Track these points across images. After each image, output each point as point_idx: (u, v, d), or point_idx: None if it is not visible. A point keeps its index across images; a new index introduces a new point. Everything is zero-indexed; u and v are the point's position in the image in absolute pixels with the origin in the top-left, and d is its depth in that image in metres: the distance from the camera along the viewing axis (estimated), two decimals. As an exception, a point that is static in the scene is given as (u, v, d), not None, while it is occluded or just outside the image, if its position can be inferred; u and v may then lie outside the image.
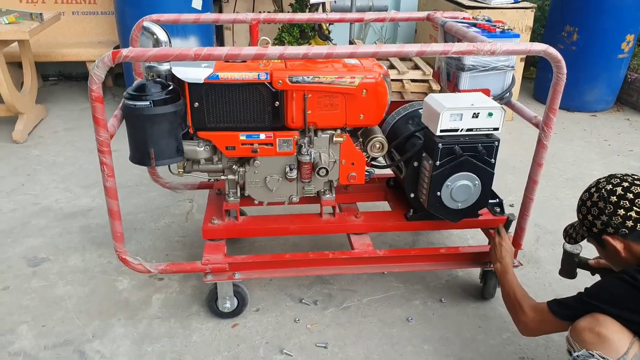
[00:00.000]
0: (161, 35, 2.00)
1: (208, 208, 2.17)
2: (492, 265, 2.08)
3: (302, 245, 2.52)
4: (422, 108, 2.21)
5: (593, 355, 1.40)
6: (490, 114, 1.83)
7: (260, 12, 4.48)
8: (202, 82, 1.83)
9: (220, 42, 4.39)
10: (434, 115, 1.83)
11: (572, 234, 1.69)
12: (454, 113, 1.81)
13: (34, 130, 3.88)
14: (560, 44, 4.12)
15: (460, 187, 1.91)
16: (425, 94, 4.10)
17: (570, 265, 1.92)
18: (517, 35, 1.97)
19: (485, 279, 2.19)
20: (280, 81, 1.84)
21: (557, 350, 2.00)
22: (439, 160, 1.86)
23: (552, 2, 4.38)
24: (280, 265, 2.00)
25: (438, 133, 1.84)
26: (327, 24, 3.78)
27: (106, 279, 2.34)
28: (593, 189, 1.53)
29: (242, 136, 1.92)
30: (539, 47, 1.67)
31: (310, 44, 3.86)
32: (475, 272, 2.33)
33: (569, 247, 1.87)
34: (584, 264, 1.92)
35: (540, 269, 2.45)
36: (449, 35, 2.10)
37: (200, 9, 3.64)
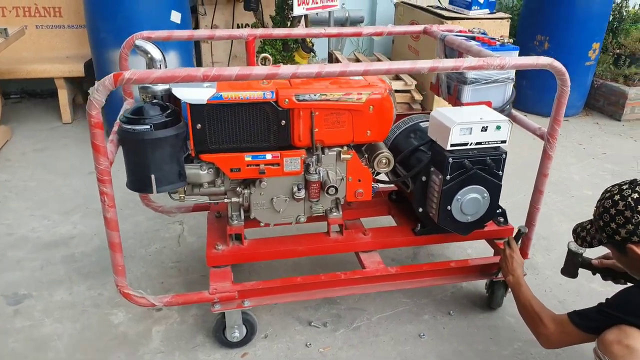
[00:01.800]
0: (155, 53, 1.91)
1: (209, 233, 2.08)
2: (498, 277, 2.08)
3: (303, 263, 2.46)
4: (422, 121, 2.22)
5: None
6: (498, 127, 1.83)
7: (239, 25, 4.41)
8: (204, 102, 1.75)
9: (198, 56, 4.29)
10: (443, 129, 1.82)
11: (585, 237, 1.67)
12: (463, 127, 1.80)
13: (-1, 154, 3.67)
14: (532, 52, 4.23)
15: (470, 201, 1.91)
16: (408, 104, 4.14)
17: (573, 265, 1.91)
18: (517, 48, 1.99)
19: (493, 289, 2.19)
20: (287, 100, 1.79)
21: (567, 357, 2.01)
22: (449, 175, 1.85)
23: (522, 13, 4.50)
24: (292, 290, 1.93)
25: (448, 148, 1.82)
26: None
27: (99, 313, 2.21)
28: (617, 197, 1.52)
29: (248, 157, 1.85)
30: (545, 60, 1.69)
31: (293, 56, 3.81)
32: (479, 283, 2.33)
33: (573, 246, 1.85)
34: (587, 264, 1.92)
35: (539, 275, 2.47)
36: (448, 49, 2.09)
37: (179, 22, 3.52)
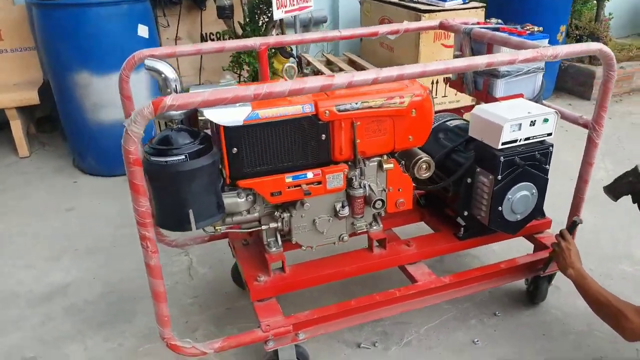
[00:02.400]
0: (169, 72, 1.70)
1: (243, 264, 1.89)
2: (546, 272, 2.03)
3: (333, 282, 2.31)
4: (449, 120, 2.13)
5: None
6: (546, 120, 1.77)
7: (205, 34, 4.18)
8: (241, 124, 1.57)
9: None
10: (493, 128, 1.74)
11: None
12: (514, 124, 1.72)
13: (-44, 200, 3.27)
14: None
15: (521, 199, 1.84)
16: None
17: (623, 188, 1.82)
18: (546, 36, 1.94)
19: (536, 284, 2.13)
20: (327, 111, 1.65)
21: (624, 344, 1.98)
22: (500, 175, 1.77)
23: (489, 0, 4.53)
24: (346, 314, 1.79)
25: (500, 147, 1.74)
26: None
27: (125, 367, 1.97)
28: None
29: (288, 178, 1.69)
30: (595, 46, 1.64)
31: (272, 62, 3.64)
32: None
33: None
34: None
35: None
36: (475, 42, 2.02)
37: (147, 36, 3.27)
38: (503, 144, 1.74)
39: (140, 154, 1.33)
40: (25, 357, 2.03)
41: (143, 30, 3.25)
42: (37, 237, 2.83)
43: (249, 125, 1.59)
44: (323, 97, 1.68)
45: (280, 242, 1.85)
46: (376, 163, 1.82)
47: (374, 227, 1.94)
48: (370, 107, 1.69)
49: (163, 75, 1.69)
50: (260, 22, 3.59)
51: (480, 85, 2.03)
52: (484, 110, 1.79)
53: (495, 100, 1.96)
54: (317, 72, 4.41)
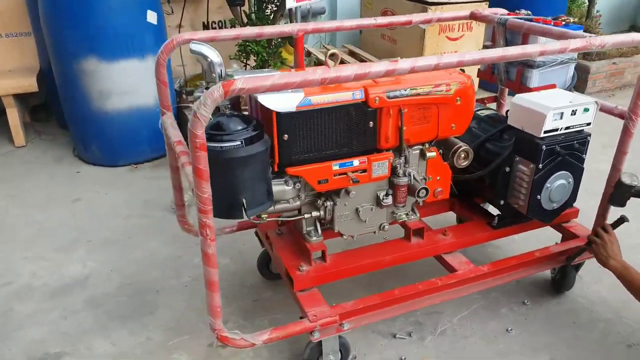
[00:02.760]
0: (215, 57, 1.66)
1: (282, 254, 1.86)
2: (575, 261, 2.05)
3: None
4: (479, 110, 2.14)
5: None
6: (586, 110, 1.79)
7: (207, 23, 4.09)
8: (294, 110, 1.54)
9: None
10: (536, 116, 1.74)
11: None
12: (556, 112, 1.73)
13: (-46, 190, 3.13)
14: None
15: (558, 187, 1.86)
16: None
17: (623, 196, 1.90)
18: (580, 27, 1.96)
19: (564, 273, 2.16)
20: (377, 98, 1.63)
21: (650, 330, 2.04)
22: (541, 163, 1.78)
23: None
24: (390, 304, 1.78)
25: (542, 135, 1.75)
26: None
27: (157, 361, 1.92)
28: None
29: (335, 166, 1.67)
30: (637, 37, 1.66)
31: (280, 52, 3.59)
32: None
33: (627, 179, 1.87)
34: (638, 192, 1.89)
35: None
36: (509, 32, 2.02)
37: (155, 23, 3.19)
38: (545, 132, 1.75)
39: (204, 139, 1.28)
40: (49, 352, 1.95)
41: (152, 17, 3.16)
42: (43, 228, 2.73)
43: (301, 111, 1.56)
44: (371, 84, 1.66)
45: (320, 231, 1.82)
46: (418, 151, 1.81)
47: (413, 217, 1.93)
48: (419, 94, 1.68)
49: (209, 59, 1.65)
50: (269, 11, 3.54)
51: (513, 76, 2.04)
52: (525, 99, 1.80)
53: (529, 90, 1.97)
54: (318, 63, 4.38)
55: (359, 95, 1.62)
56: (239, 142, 1.46)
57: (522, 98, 1.82)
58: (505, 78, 2.08)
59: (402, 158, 1.76)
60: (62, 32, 3.04)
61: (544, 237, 2.27)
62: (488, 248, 2.50)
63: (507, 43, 2.04)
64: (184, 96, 3.59)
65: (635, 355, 1.93)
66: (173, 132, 1.73)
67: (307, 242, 1.81)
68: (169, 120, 1.82)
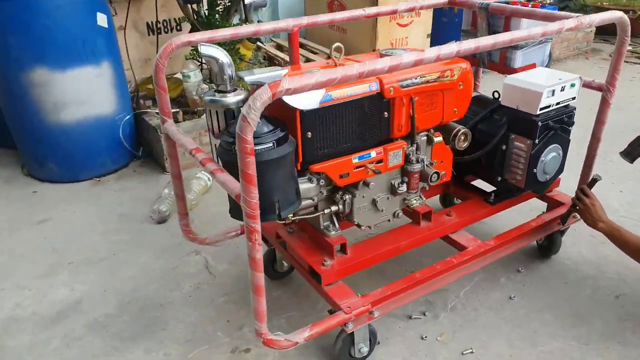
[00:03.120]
0: (224, 58, 1.62)
1: (301, 251, 1.86)
2: (565, 225, 2.22)
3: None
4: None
5: None
6: (572, 85, 1.93)
7: (150, 23, 3.91)
8: (317, 106, 1.54)
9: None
10: (531, 95, 1.86)
11: None
12: (549, 90, 1.86)
13: None
14: (444, 17, 4.50)
15: (551, 160, 1.99)
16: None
17: (637, 151, 2.02)
18: (556, 7, 2.10)
19: (551, 239, 2.32)
20: (392, 89, 1.67)
21: (633, 280, 2.23)
22: (537, 139, 1.91)
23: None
24: (413, 286, 1.84)
25: (538, 112, 1.87)
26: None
27: (181, 376, 1.86)
28: None
29: (355, 159, 1.69)
30: (617, 14, 1.81)
31: (238, 48, 3.52)
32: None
33: None
34: None
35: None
36: (492, 17, 2.12)
37: (106, 25, 3.01)
38: (540, 109, 1.87)
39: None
40: (62, 384, 1.83)
41: (102, 20, 2.99)
42: (16, 256, 2.52)
43: (323, 107, 1.56)
44: (385, 75, 1.68)
45: (337, 225, 1.84)
46: (425, 137, 1.87)
47: (420, 201, 2.00)
48: (428, 82, 1.74)
49: (220, 61, 1.60)
50: (220, 8, 3.46)
51: (496, 58, 2.15)
52: (518, 79, 1.91)
53: (514, 70, 2.09)
54: (270, 57, 4.34)
55: (374, 87, 1.64)
56: (270, 144, 1.44)
57: (514, 79, 1.93)
58: (488, 60, 2.18)
59: (414, 145, 1.81)
60: (4, 41, 2.78)
61: (520, 208, 2.40)
62: (475, 225, 2.63)
63: (490, 27, 2.14)
64: (141, 102, 3.43)
65: (623, 303, 2.12)
66: (184, 140, 1.66)
67: (327, 237, 1.82)
68: (172, 128, 1.74)
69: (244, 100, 1.64)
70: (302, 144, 1.58)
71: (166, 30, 4.03)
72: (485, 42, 1.52)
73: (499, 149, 2.01)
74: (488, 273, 2.30)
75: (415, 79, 1.70)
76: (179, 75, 4.04)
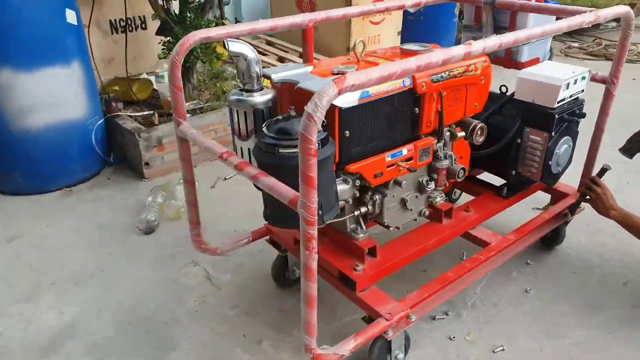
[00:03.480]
0: (252, 54, 1.50)
1: (327, 257, 1.76)
2: (573, 215, 2.25)
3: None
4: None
5: None
6: (583, 78, 1.95)
7: (113, 20, 3.66)
8: (356, 104, 1.46)
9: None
10: (549, 89, 1.86)
11: None
12: (565, 83, 1.87)
13: None
14: (410, 15, 4.52)
15: (564, 152, 2.01)
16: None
17: (638, 144, 2.07)
18: (557, 2, 2.12)
19: (557, 230, 2.35)
20: (424, 84, 1.61)
21: (637, 264, 2.30)
22: (554, 131, 1.91)
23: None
24: (445, 287, 1.79)
25: (555, 105, 1.88)
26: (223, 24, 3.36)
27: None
28: None
29: (388, 157, 1.62)
30: (624, 9, 1.85)
31: (215, 47, 3.35)
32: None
33: None
34: None
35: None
36: (497, 12, 2.12)
37: (75, 23, 2.77)
38: (557, 102, 1.88)
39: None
40: (69, 420, 1.64)
41: (71, 16, 2.75)
42: (-11, 279, 2.27)
43: (360, 104, 1.48)
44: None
45: (364, 227, 1.76)
46: (449, 133, 1.83)
47: (443, 199, 1.96)
48: (455, 76, 1.69)
49: (248, 58, 1.48)
50: (195, 4, 3.28)
51: (502, 52, 2.15)
52: (534, 74, 1.91)
53: (521, 65, 2.10)
54: (261, 53, 4.19)
55: (407, 82, 1.58)
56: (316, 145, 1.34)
57: (529, 73, 1.92)
58: (494, 55, 2.17)
59: (442, 141, 1.76)
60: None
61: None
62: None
63: (495, 22, 2.14)
64: (113, 104, 3.19)
65: (632, 289, 2.17)
66: (209, 143, 1.52)
67: (356, 240, 1.74)
68: (191, 131, 1.60)
69: (273, 100, 1.53)
70: (339, 144, 1.49)
71: (130, 28, 3.79)
72: (522, 34, 1.49)
73: (513, 142, 2.00)
74: (499, 268, 2.28)
75: (445, 73, 1.65)
76: (145, 76, 3.84)
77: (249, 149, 1.55)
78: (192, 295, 2.16)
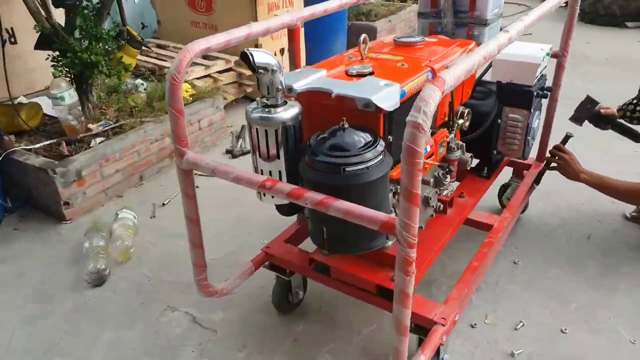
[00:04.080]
0: (276, 65, 1.29)
1: (356, 271, 1.62)
2: (536, 184, 2.38)
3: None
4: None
5: None
6: (548, 54, 2.04)
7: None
8: (398, 105, 1.34)
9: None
10: (528, 67, 1.92)
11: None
12: (542, 61, 1.93)
13: None
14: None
15: (537, 125, 2.10)
16: (237, 82, 3.82)
17: (585, 113, 2.25)
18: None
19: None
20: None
21: (589, 220, 2.50)
22: (532, 108, 1.98)
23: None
24: (472, 274, 1.76)
25: (534, 82, 1.94)
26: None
27: None
28: None
29: (417, 157, 1.52)
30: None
31: (120, 57, 2.90)
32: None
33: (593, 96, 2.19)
34: (595, 115, 2.25)
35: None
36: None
37: None
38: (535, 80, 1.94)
39: (414, 158, 1.01)
40: None
41: None
42: None
43: (401, 105, 1.36)
44: (428, 63, 1.55)
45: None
46: (451, 122, 1.78)
47: (450, 190, 1.92)
48: (461, 65, 1.65)
49: (273, 69, 1.27)
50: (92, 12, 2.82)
51: (463, 35, 2.16)
52: (509, 54, 1.94)
53: (483, 46, 2.13)
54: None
55: (431, 76, 1.50)
56: (380, 158, 1.20)
57: (504, 54, 1.95)
58: (451, 37, 2.18)
59: (452, 133, 1.71)
60: None
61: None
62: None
63: (455, 6, 2.13)
64: (6, 138, 2.62)
65: (595, 241, 2.36)
66: (238, 172, 1.28)
67: (385, 249, 1.62)
68: (204, 160, 1.33)
69: (301, 113, 1.34)
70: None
71: (-2, 44, 3.15)
72: (539, 12, 1.49)
73: (495, 123, 2.04)
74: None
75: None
76: (24, 99, 3.24)
77: (279, 171, 1.35)
78: (187, 345, 1.87)
